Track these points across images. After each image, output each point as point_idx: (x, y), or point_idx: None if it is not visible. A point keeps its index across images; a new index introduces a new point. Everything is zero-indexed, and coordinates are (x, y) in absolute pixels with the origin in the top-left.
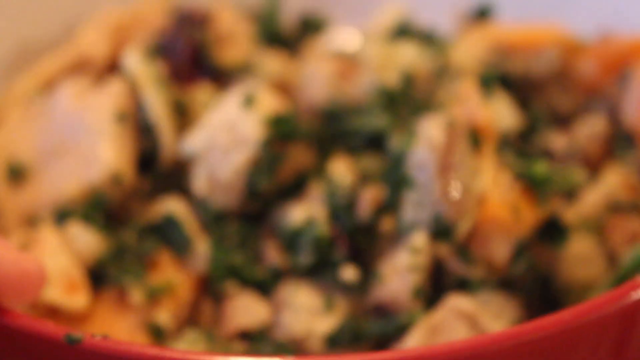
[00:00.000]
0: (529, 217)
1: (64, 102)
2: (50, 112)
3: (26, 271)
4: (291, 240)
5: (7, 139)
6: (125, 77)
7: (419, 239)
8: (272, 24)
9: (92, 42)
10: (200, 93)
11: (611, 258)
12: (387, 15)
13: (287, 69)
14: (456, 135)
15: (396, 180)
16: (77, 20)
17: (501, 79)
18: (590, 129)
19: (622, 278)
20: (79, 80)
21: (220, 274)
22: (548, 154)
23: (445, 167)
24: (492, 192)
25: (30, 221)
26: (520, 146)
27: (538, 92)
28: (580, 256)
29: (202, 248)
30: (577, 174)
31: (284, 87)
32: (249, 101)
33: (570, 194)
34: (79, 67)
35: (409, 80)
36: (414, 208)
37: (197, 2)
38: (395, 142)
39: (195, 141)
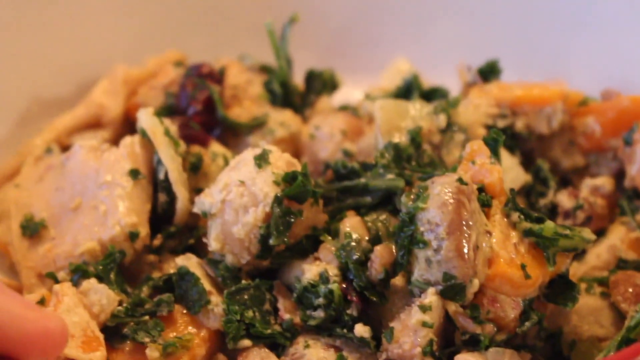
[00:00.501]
0: (537, 274)
1: (78, 158)
2: (65, 168)
3: (49, 330)
4: (304, 297)
5: (23, 196)
6: (140, 134)
7: (430, 297)
8: (283, 80)
9: (106, 98)
10: (213, 150)
11: (617, 314)
12: (394, 73)
13: (297, 125)
14: (466, 195)
15: (407, 239)
16: (91, 79)
17: (507, 136)
18: (597, 188)
19: (629, 339)
20: (94, 137)
21: (234, 330)
22: (555, 213)
23: (455, 227)
24: (500, 251)
25: (47, 277)
26: (526, 204)
27: (543, 149)
28: (587, 312)
29: (216, 304)
30: (585, 233)
31: (293, 143)
32: (262, 160)
33: (577, 251)
34: (93, 123)
35: (417, 139)
36: (425, 266)
37: (204, 58)
38: (405, 200)
39: (209, 199)
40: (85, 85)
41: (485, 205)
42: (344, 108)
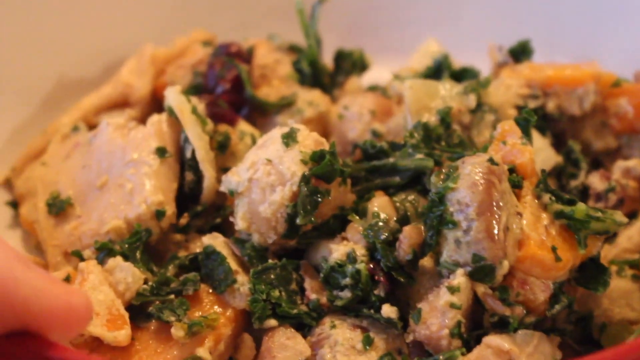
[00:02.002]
0: (568, 257)
1: (105, 136)
2: (92, 146)
3: (73, 305)
4: (331, 277)
5: (49, 174)
6: (167, 112)
7: (459, 278)
8: (313, 60)
9: (134, 78)
10: (240, 129)
11: None
12: (424, 54)
13: (325, 105)
14: (496, 175)
15: (436, 219)
16: (118, 60)
17: (538, 116)
18: (630, 170)
19: None
20: (121, 115)
21: (260, 309)
22: (586, 195)
23: (485, 207)
24: (531, 233)
25: (72, 256)
26: (557, 186)
27: (574, 130)
28: (618, 295)
29: (242, 283)
30: (617, 215)
31: (321, 123)
32: (290, 139)
33: (609, 234)
34: (120, 103)
35: (447, 119)
36: (454, 247)
37: (233, 37)
38: (435, 180)
39: (236, 178)
40: (112, 66)
41: (516, 186)
42: (373, 88)
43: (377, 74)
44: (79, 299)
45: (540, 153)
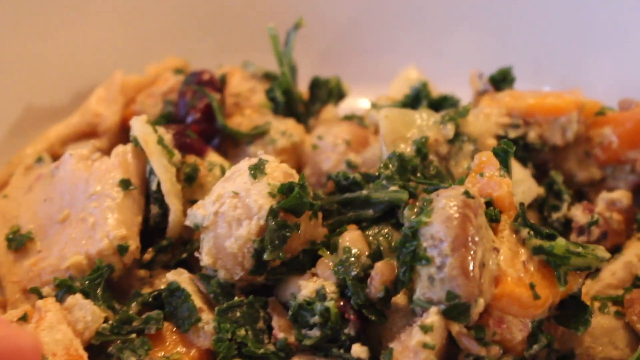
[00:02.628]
0: (547, 294)
1: (68, 168)
2: (55, 178)
3: (20, 347)
4: (299, 315)
5: (11, 207)
6: (133, 143)
7: (432, 317)
8: (286, 88)
9: (102, 107)
10: (210, 160)
11: (633, 334)
12: (403, 82)
13: (299, 135)
14: (472, 209)
15: (409, 255)
16: (88, 87)
17: (519, 146)
18: (614, 202)
19: None
20: (86, 146)
21: (225, 349)
22: (568, 227)
23: (460, 243)
24: (508, 269)
25: (31, 292)
26: (539, 218)
27: (557, 160)
28: (600, 333)
29: (206, 321)
30: (599, 251)
31: (295, 154)
32: (257, 171)
33: (590, 271)
34: (88, 132)
35: (423, 150)
36: (428, 284)
37: (206, 65)
38: (408, 214)
39: (202, 211)
40: (82, 93)
41: (493, 220)
42: (349, 118)
43: (355, 102)
44: (26, 342)
45: (521, 184)
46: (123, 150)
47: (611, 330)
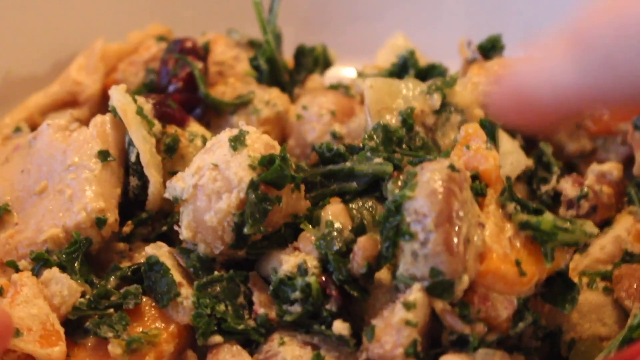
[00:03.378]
0: (533, 271)
1: (46, 139)
2: (32, 149)
3: None
4: (280, 291)
5: None
6: (112, 113)
7: (415, 293)
8: (270, 57)
9: (83, 75)
10: (191, 131)
11: (622, 311)
12: (390, 50)
13: (283, 105)
14: (457, 183)
15: (392, 230)
16: (70, 56)
17: None
18: (604, 174)
19: (631, 338)
20: (64, 116)
21: (204, 325)
22: (557, 200)
23: (444, 218)
24: (494, 245)
25: (8, 265)
26: (527, 191)
27: (546, 132)
28: (588, 309)
29: (185, 296)
30: (587, 226)
31: (280, 124)
32: (237, 142)
33: (578, 247)
34: (69, 101)
35: (409, 120)
36: (411, 260)
37: (190, 32)
38: (392, 188)
39: (181, 184)
40: (63, 62)
41: (479, 194)
42: (335, 87)
43: (342, 70)
44: None
45: (509, 156)
46: (101, 121)
47: (599, 307)
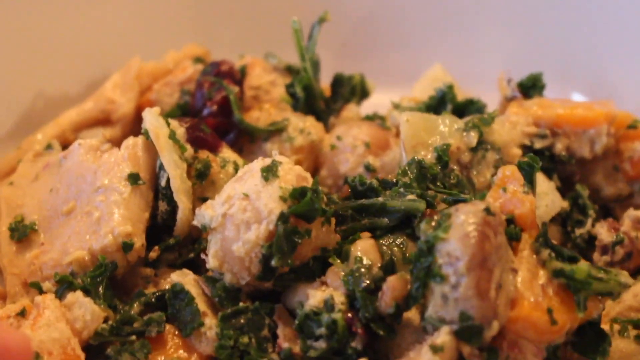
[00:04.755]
0: (565, 320)
1: (76, 158)
2: (62, 168)
3: (8, 349)
4: (306, 325)
5: (16, 195)
6: (144, 136)
7: (443, 336)
8: (307, 84)
9: (117, 93)
10: (223, 156)
11: None
12: (429, 81)
13: (318, 133)
14: (492, 227)
15: (423, 270)
16: (104, 75)
17: (544, 157)
18: None
19: None
20: (96, 134)
21: (227, 357)
22: (592, 244)
23: (477, 262)
24: (526, 292)
25: (32, 287)
26: (562, 233)
27: (584, 173)
28: (619, 357)
29: (209, 327)
30: (622, 276)
31: (313, 153)
32: (269, 173)
33: (612, 297)
34: (102, 120)
35: (444, 157)
36: (441, 303)
37: (228, 54)
38: (425, 228)
39: (210, 212)
40: (97, 80)
41: (514, 239)
42: (370, 118)
43: (379, 99)
44: (16, 341)
45: (545, 197)
46: (133, 143)
47: (631, 355)
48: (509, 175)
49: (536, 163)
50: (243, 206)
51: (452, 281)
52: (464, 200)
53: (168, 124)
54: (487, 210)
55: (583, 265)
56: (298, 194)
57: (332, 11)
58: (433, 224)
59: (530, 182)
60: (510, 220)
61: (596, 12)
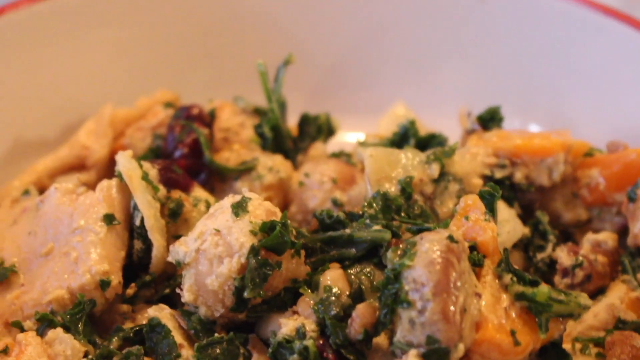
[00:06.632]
0: (528, 341)
1: (53, 202)
2: (40, 212)
3: None
4: (279, 353)
5: None
6: (118, 178)
7: (412, 359)
8: (275, 124)
9: (91, 139)
10: (195, 196)
11: None
12: (392, 118)
13: (286, 171)
14: (455, 254)
15: (391, 297)
16: (79, 120)
17: (505, 186)
18: (599, 244)
19: None
20: (71, 179)
21: None
22: (553, 267)
23: (442, 288)
24: (489, 315)
25: (13, 326)
26: (524, 258)
27: (543, 201)
28: None
29: (186, 357)
30: (582, 298)
31: (282, 190)
32: (240, 209)
33: (572, 318)
34: (77, 165)
35: (408, 189)
36: (408, 327)
37: (198, 99)
38: (391, 256)
39: (184, 248)
40: (72, 126)
41: (477, 264)
42: (337, 155)
43: (346, 136)
44: None
45: (506, 224)
46: (108, 185)
47: None
48: (471, 204)
49: (497, 192)
50: (215, 241)
51: (419, 306)
52: (428, 229)
53: (141, 166)
54: (451, 238)
55: (544, 288)
56: (267, 228)
57: (298, 54)
58: (399, 252)
59: (491, 210)
60: (473, 247)
61: (549, 46)
